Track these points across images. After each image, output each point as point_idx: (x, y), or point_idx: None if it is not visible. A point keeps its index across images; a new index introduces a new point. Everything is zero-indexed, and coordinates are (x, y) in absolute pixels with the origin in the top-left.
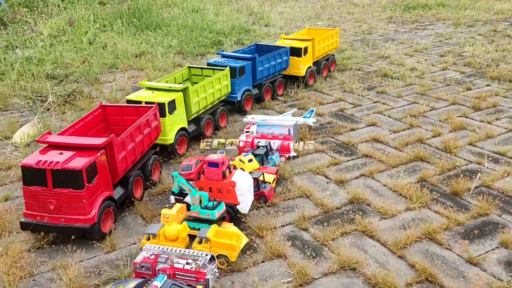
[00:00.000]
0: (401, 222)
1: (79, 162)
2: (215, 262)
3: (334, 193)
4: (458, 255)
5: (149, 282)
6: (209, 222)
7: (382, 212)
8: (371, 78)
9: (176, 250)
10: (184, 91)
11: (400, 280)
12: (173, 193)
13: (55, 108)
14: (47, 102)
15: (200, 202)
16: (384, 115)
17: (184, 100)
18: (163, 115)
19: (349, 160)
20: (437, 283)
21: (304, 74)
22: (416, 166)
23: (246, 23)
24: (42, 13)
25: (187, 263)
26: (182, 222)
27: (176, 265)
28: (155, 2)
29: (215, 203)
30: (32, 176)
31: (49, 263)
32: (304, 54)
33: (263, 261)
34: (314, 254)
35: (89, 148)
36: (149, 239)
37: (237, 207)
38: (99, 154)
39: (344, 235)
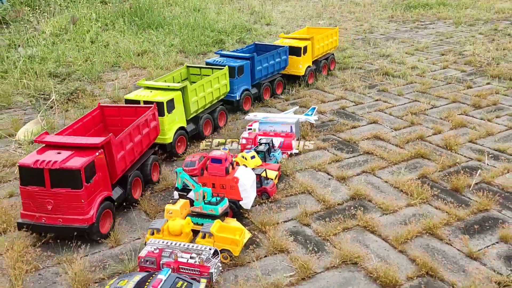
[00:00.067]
0: (402, 217)
1: (77, 162)
2: (218, 256)
3: (335, 189)
4: (458, 249)
5: (153, 275)
6: (213, 217)
7: (383, 208)
8: (372, 77)
9: (180, 245)
10: (183, 90)
11: (401, 274)
12: (176, 189)
13: (58, 106)
14: (50, 100)
15: (204, 197)
16: (385, 113)
17: (183, 99)
18: (161, 114)
19: (350, 157)
20: (438, 277)
21: (303, 74)
22: (417, 163)
23: (247, 22)
24: (44, 12)
25: (191, 257)
26: (185, 218)
27: (180, 259)
28: (157, 1)
29: (218, 198)
30: (29, 176)
31: (54, 258)
32: (303, 54)
33: (265, 256)
34: (316, 249)
35: (88, 148)
36: (153, 234)
37: (240, 202)
38: (97, 154)
39: (346, 231)
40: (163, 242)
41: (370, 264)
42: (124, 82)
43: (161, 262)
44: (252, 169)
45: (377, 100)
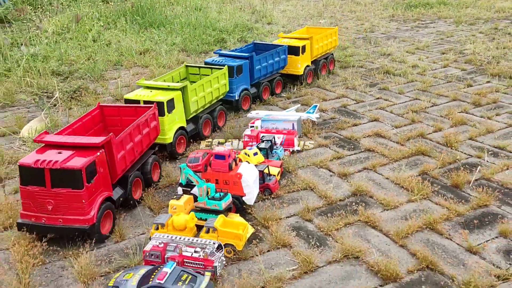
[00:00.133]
0: (403, 213)
1: (79, 162)
2: (222, 250)
3: (337, 185)
4: (458, 244)
5: (159, 269)
6: (216, 212)
7: (384, 203)
8: (373, 75)
9: (184, 239)
10: (183, 90)
11: (402, 268)
12: (180, 185)
13: (61, 104)
14: (54, 97)
15: (207, 193)
16: (386, 110)
17: (183, 99)
18: (162, 114)
19: (352, 154)
20: (438, 270)
21: (302, 73)
22: (418, 159)
23: (249, 21)
24: (46, 11)
25: (195, 251)
26: (189, 213)
27: (184, 253)
28: (158, 0)
29: (222, 194)
30: (29, 175)
31: (60, 252)
32: (302, 53)
33: (268, 250)
34: (318, 244)
35: (88, 147)
36: (157, 228)
37: (243, 198)
38: (98, 154)
39: (348, 226)
40: (167, 236)
41: (372, 258)
42: (126, 80)
43: (165, 256)
44: (255, 165)
45: (378, 98)
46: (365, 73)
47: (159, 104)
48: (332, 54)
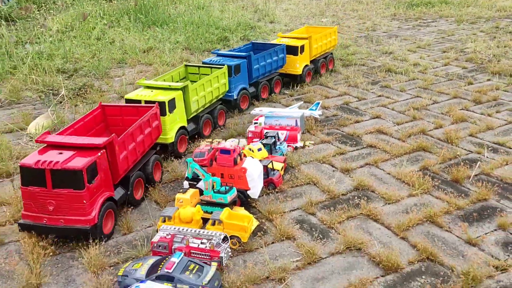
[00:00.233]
0: (404, 207)
1: (80, 162)
2: (228, 242)
3: (340, 180)
4: (457, 236)
5: (166, 259)
6: (222, 205)
7: (386, 197)
8: (375, 73)
9: (191, 230)
10: (184, 89)
11: (403, 259)
12: (187, 179)
13: (67, 101)
14: (60, 95)
15: (213, 187)
16: (388, 108)
17: (184, 99)
18: (163, 113)
19: (354, 150)
20: (438, 261)
21: (300, 73)
22: (419, 155)
23: (251, 19)
24: (50, 9)
25: (201, 243)
26: (195, 206)
27: (191, 244)
28: None
29: (227, 188)
30: (30, 176)
31: (70, 243)
32: (301, 53)
33: (273, 242)
34: (321, 236)
35: (90, 148)
36: (164, 221)
37: (248, 192)
38: (99, 154)
39: (350, 219)
40: (175, 228)
41: (373, 249)
42: (131, 78)
43: (173, 247)
44: (259, 160)
45: (379, 96)
46: (367, 71)
47: (161, 104)
48: (332, 53)
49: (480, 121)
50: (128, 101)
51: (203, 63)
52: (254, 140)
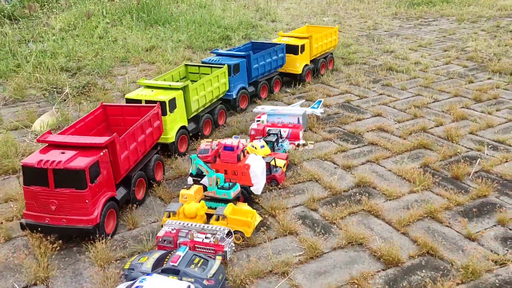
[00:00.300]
0: (405, 203)
1: (82, 162)
2: (232, 236)
3: (341, 177)
4: (457, 231)
5: (172, 252)
6: (225, 201)
7: (387, 194)
8: (376, 72)
9: (195, 225)
10: (184, 89)
11: (403, 253)
12: (191, 175)
13: (71, 99)
14: (64, 93)
15: (217, 183)
16: (389, 106)
17: (184, 98)
18: (164, 113)
19: (355, 148)
20: (438, 256)
21: (300, 72)
22: (420, 153)
23: (253, 18)
24: (53, 8)
25: (206, 237)
26: (199, 202)
27: (196, 239)
28: None
29: (230, 184)
30: (33, 175)
31: (77, 238)
32: (301, 52)
33: (276, 237)
34: (323, 231)
35: (92, 148)
36: (169, 216)
37: (251, 188)
38: (102, 154)
39: (352, 215)
40: (179, 223)
41: (375, 244)
42: (134, 76)
43: (178, 242)
44: (262, 157)
45: (381, 94)
46: (368, 69)
47: (161, 104)
48: (332, 53)
49: (480, 119)
50: (128, 100)
51: (203, 62)
52: (257, 137)
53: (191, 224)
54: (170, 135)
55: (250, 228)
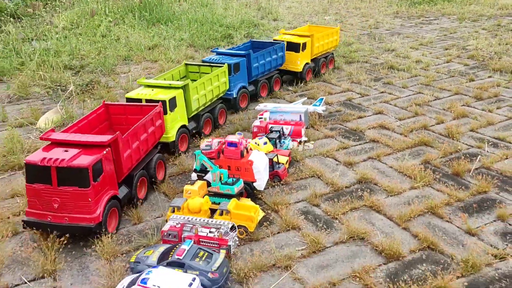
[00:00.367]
0: (406, 199)
1: (85, 160)
2: (236, 231)
3: (343, 173)
4: (457, 226)
5: (177, 246)
6: (229, 196)
7: (388, 190)
8: (377, 70)
9: (200, 220)
10: (184, 88)
11: (404, 248)
12: (195, 170)
13: (75, 96)
14: (68, 90)
15: (220, 178)
16: (390, 104)
17: (184, 97)
18: (164, 112)
19: (357, 145)
20: (438, 250)
21: (301, 70)
22: (420, 150)
23: (254, 17)
24: (56, 7)
25: (210, 232)
26: (203, 197)
27: (200, 233)
28: None
29: (234, 179)
30: (36, 173)
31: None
32: (302, 50)
33: (278, 232)
34: (325, 226)
35: (95, 146)
36: (173, 211)
37: (254, 184)
38: (105, 152)
39: (353, 210)
40: (184, 217)
41: (376, 239)
42: (137, 74)
43: (182, 236)
44: (265, 154)
45: (382, 92)
46: (369, 68)
47: (161, 103)
48: (332, 53)
49: (481, 117)
50: (129, 100)
51: (203, 61)
52: (259, 134)
53: (196, 219)
54: (170, 134)
55: (254, 223)
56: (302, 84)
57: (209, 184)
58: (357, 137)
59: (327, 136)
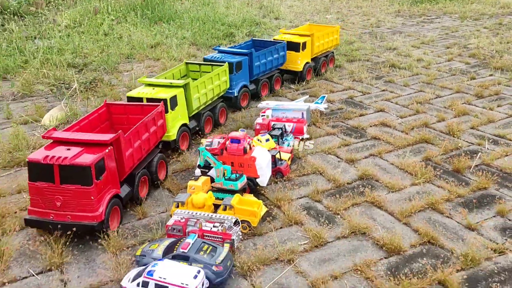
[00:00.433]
0: (407, 195)
1: (88, 158)
2: (239, 225)
3: (345, 170)
4: (458, 222)
5: (182, 240)
6: (232, 192)
7: (389, 186)
8: (379, 68)
9: (204, 214)
10: (185, 87)
11: (405, 242)
12: (199, 166)
13: (78, 94)
14: (72, 88)
15: (224, 174)
16: (392, 102)
17: (185, 96)
18: (165, 111)
19: (358, 142)
20: (438, 244)
21: (301, 69)
22: (421, 147)
23: (256, 16)
24: (59, 5)
25: (214, 226)
26: (207, 193)
27: (204, 228)
28: None
29: (237, 175)
30: (38, 171)
31: None
32: (303, 50)
33: (281, 227)
34: (327, 221)
35: (97, 144)
36: (178, 206)
37: (257, 180)
38: (107, 150)
39: (355, 206)
40: (188, 212)
41: (377, 234)
42: (139, 72)
43: (187, 230)
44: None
45: (383, 90)
46: (371, 66)
47: (162, 101)
48: (333, 52)
49: (481, 115)
50: (130, 98)
51: (205, 59)
52: (262, 132)
53: (200, 214)
54: (171, 133)
55: (257, 218)
56: (304, 82)
57: (212, 180)
58: (359, 135)
59: (329, 133)
